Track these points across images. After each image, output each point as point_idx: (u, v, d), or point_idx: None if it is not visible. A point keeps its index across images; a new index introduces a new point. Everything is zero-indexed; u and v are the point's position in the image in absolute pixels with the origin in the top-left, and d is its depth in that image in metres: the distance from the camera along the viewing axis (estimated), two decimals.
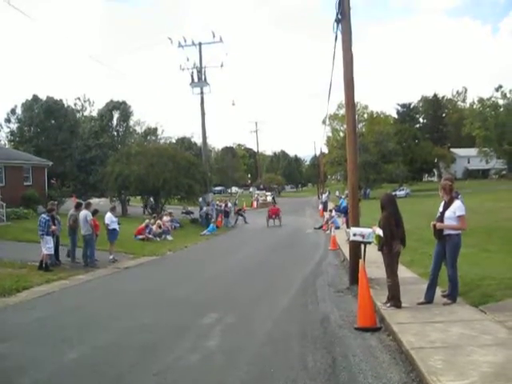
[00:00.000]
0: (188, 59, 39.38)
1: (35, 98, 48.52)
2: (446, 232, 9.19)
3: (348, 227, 15.08)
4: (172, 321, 9.73)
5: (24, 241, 22.04)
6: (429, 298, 9.41)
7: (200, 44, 39.23)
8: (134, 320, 9.84)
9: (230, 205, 41.37)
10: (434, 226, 9.35)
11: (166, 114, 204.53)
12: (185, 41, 38.57)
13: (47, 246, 16.08)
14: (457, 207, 9.11)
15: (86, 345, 8.11)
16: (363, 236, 10.00)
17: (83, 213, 18.08)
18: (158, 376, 6.54)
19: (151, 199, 42.32)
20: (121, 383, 6.42)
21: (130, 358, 7.37)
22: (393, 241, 9.13)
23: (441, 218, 9.29)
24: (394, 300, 9.23)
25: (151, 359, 7.24)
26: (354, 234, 10.31)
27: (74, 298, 12.73)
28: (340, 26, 12.45)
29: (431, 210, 10.44)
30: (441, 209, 9.40)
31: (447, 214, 9.17)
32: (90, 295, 13.05)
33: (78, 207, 18.90)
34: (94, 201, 38.00)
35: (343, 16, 12.31)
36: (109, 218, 19.47)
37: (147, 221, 28.36)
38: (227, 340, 8.22)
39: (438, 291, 9.66)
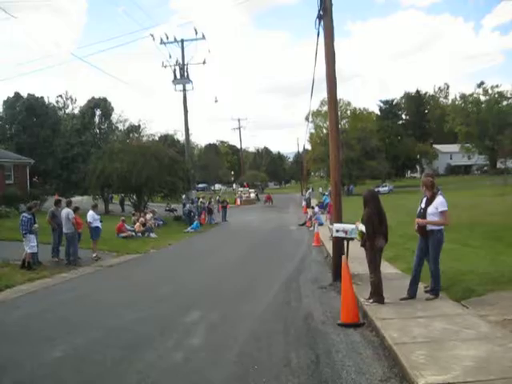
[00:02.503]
0: (170, 56, 39.35)
1: (17, 96, 48.08)
2: (429, 228, 9.23)
3: (331, 224, 15.12)
4: (155, 319, 9.69)
5: (6, 240, 21.82)
6: (412, 294, 9.46)
7: (182, 41, 39.09)
8: (118, 318, 9.79)
9: (212, 202, 41.31)
10: (418, 221, 9.41)
11: (149, 111, 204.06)
12: (167, 38, 38.43)
13: (30, 245, 15.93)
14: (439, 203, 9.15)
15: (68, 343, 8.05)
16: (346, 232, 10.02)
17: (65, 211, 17.93)
18: (141, 374, 6.52)
19: (122, 195, 42.32)
20: (103, 382, 6.37)
21: (113, 357, 7.33)
22: (375, 237, 9.16)
23: (423, 214, 9.33)
24: (377, 296, 9.27)
25: (134, 357, 7.21)
26: (337, 231, 10.33)
27: (56, 295, 12.61)
28: (322, 22, 12.48)
29: (414, 205, 10.49)
30: (422, 205, 9.45)
31: (430, 209, 9.21)
32: (72, 293, 12.93)
33: (57, 204, 18.80)
34: (77, 199, 37.85)
35: (325, 12, 12.33)
36: (91, 215, 19.35)
37: (122, 218, 28.19)
38: (210, 337, 8.21)
39: (421, 286, 9.72)
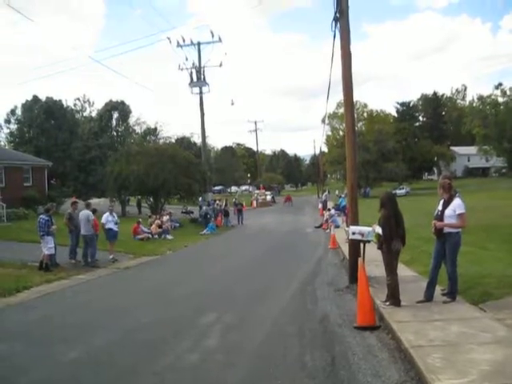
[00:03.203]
0: (187, 59, 39.48)
1: (35, 99, 48.61)
2: (446, 230, 9.18)
3: (347, 226, 15.09)
4: (172, 320, 9.73)
5: (24, 241, 22.03)
6: (428, 297, 9.40)
7: (199, 44, 39.29)
8: (135, 319, 9.84)
9: (228, 205, 41.31)
10: (435, 224, 9.36)
11: (166, 114, 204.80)
12: (183, 40, 38.64)
13: (48, 246, 16.09)
14: (457, 205, 9.10)
15: (86, 344, 8.11)
16: (362, 235, 9.99)
17: (85, 213, 18.08)
18: (158, 375, 6.55)
19: (138, 197, 42.50)
20: (120, 383, 6.41)
21: (130, 358, 7.38)
22: (392, 239, 9.12)
23: (440, 217, 9.29)
24: (394, 298, 9.23)
25: (151, 358, 7.24)
26: (353, 233, 10.30)
27: (74, 297, 12.72)
28: (338, 24, 12.46)
29: (431, 208, 10.42)
30: (440, 207, 9.40)
31: (447, 212, 9.16)
32: (89, 295, 13.04)
33: (73, 205, 18.96)
34: (94, 201, 38.01)
35: (341, 14, 12.30)
36: (105, 217, 19.41)
37: (139, 220, 28.44)
38: (226, 339, 8.22)
39: (438, 289, 9.66)
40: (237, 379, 6.34)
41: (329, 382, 6.08)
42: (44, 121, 46.94)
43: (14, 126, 51.21)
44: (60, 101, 50.12)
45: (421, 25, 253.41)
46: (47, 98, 48.74)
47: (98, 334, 8.79)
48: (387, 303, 9.29)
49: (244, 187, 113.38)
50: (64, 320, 10.12)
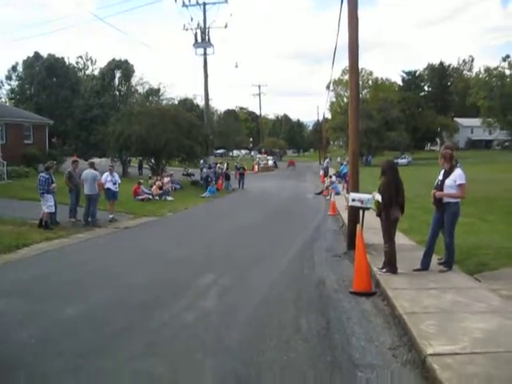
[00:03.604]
0: (192, 19, 39.21)
1: (36, 56, 48.08)
2: (446, 200, 9.20)
3: (348, 193, 15.12)
4: (170, 280, 9.82)
5: (25, 199, 22.10)
6: (425, 265, 9.47)
7: (204, 4, 38.96)
8: (133, 279, 9.94)
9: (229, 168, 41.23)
10: (434, 194, 9.37)
11: (169, 75, 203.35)
12: (189, 0, 38.13)
13: (48, 204, 16.11)
14: (457, 175, 9.10)
15: (84, 302, 8.19)
16: (362, 202, 10.04)
17: (91, 172, 18.09)
18: (155, 333, 6.64)
19: (140, 158, 42.49)
20: (117, 339, 6.48)
21: (128, 315, 7.46)
22: (391, 207, 9.15)
23: (440, 187, 9.29)
24: (390, 266, 9.29)
25: (148, 317, 7.33)
26: (353, 200, 10.34)
27: (73, 255, 12.80)
28: None
29: (432, 178, 10.42)
30: (440, 177, 9.40)
31: (447, 182, 9.16)
32: (89, 254, 13.12)
33: (73, 163, 18.98)
34: (95, 160, 37.92)
35: None
36: (104, 177, 19.36)
37: (141, 180, 28.59)
38: (223, 301, 8.30)
39: (435, 258, 9.72)
40: (232, 339, 6.41)
41: (323, 345, 6.16)
42: (45, 78, 46.49)
43: (14, 83, 50.79)
44: (62, 58, 49.55)
45: None
46: (49, 54, 48.17)
47: (95, 292, 8.87)
48: (384, 270, 9.36)
49: (243, 151, 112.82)
50: (62, 278, 10.20)
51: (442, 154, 9.57)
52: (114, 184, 19.64)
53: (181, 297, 8.50)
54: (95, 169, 18.81)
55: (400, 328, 6.64)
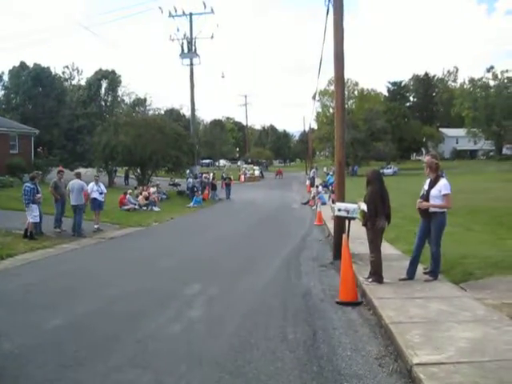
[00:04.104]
0: (178, 30, 39.31)
1: (22, 65, 47.88)
2: (432, 210, 9.23)
3: (333, 203, 15.14)
4: (155, 290, 9.75)
5: (9, 209, 21.91)
6: (410, 275, 9.49)
7: (191, 14, 38.97)
8: (118, 288, 9.87)
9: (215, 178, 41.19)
10: (420, 204, 9.41)
11: (156, 85, 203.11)
12: (175, 11, 38.38)
13: (33, 215, 16.02)
14: (442, 185, 9.14)
15: (68, 312, 8.13)
16: (348, 211, 10.04)
17: (77, 182, 18.08)
18: (140, 343, 6.59)
19: (126, 169, 42.29)
20: (101, 350, 6.42)
21: (113, 326, 7.41)
22: (376, 217, 9.17)
23: (426, 196, 9.32)
24: (376, 275, 9.31)
25: (134, 327, 7.28)
26: (339, 210, 10.34)
27: (58, 266, 12.70)
28: None
29: (418, 188, 10.45)
30: (426, 186, 9.43)
31: (433, 192, 9.20)
32: (74, 264, 13.04)
33: (59, 173, 18.91)
34: (81, 171, 37.77)
35: None
36: (90, 187, 19.32)
37: (130, 191, 28.52)
38: (209, 311, 8.27)
39: (421, 268, 9.75)
40: (218, 349, 6.38)
41: (309, 355, 6.14)
42: (31, 87, 46.29)
43: (0, 93, 50.58)
44: (48, 68, 49.35)
45: (415, 3, 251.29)
46: (35, 64, 47.99)
47: (81, 302, 8.81)
48: (370, 280, 9.38)
49: (227, 163, 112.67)
50: (47, 288, 10.13)
51: (428, 162, 9.60)
52: (101, 194, 19.57)
53: (167, 307, 8.45)
54: (82, 179, 18.76)
55: (386, 338, 6.65)
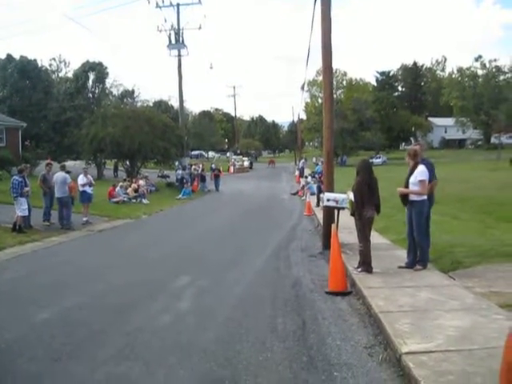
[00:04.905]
0: (166, 20, 38.82)
1: (9, 58, 47.42)
2: (411, 198, 9.28)
3: (321, 192, 15.16)
4: (144, 283, 9.73)
5: None
6: (408, 263, 9.51)
7: (178, 5, 38.67)
8: (107, 281, 9.85)
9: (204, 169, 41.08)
10: (398, 190, 9.47)
11: (143, 77, 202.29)
12: (162, 1, 37.93)
13: (21, 208, 15.93)
14: (419, 172, 9.17)
15: (58, 306, 8.10)
16: (337, 201, 10.07)
17: (61, 175, 17.90)
18: (130, 336, 6.58)
19: (115, 161, 42.11)
20: (91, 342, 6.40)
21: (102, 319, 7.38)
22: (363, 206, 9.18)
23: (405, 184, 9.37)
24: (365, 265, 9.34)
25: (123, 320, 7.27)
26: (328, 200, 10.37)
27: (46, 259, 12.65)
28: None
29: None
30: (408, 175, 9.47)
31: (411, 179, 9.27)
32: (63, 257, 12.98)
33: (47, 166, 18.78)
34: (69, 163, 37.60)
35: None
36: (80, 179, 19.25)
37: (120, 183, 28.41)
38: (199, 302, 8.27)
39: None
40: (208, 340, 6.38)
41: (298, 345, 6.16)
42: (18, 80, 45.86)
43: None
44: (35, 60, 48.89)
45: None
46: (21, 56, 47.54)
47: (69, 296, 8.77)
48: (359, 269, 9.41)
49: (216, 155, 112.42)
50: (36, 281, 10.09)
51: (407, 151, 9.70)
52: (90, 186, 19.48)
53: (156, 298, 8.44)
54: (68, 172, 18.65)
55: (375, 327, 6.67)
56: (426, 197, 9.26)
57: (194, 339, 6.43)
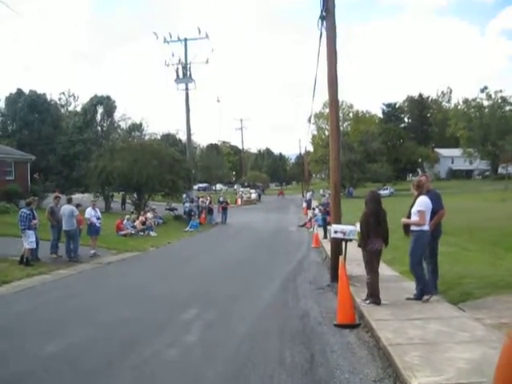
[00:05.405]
0: (173, 55, 39.30)
1: (19, 92, 48.01)
2: (411, 228, 9.28)
3: (329, 224, 15.13)
4: (152, 316, 9.69)
5: (5, 235, 21.80)
6: (417, 295, 9.44)
7: (185, 40, 39.16)
8: (114, 314, 9.80)
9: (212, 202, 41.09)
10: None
11: (151, 110, 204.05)
12: (170, 36, 38.51)
13: (29, 241, 15.96)
14: (418, 202, 9.18)
15: (64, 339, 8.06)
16: (344, 233, 10.05)
17: (69, 207, 17.97)
18: (136, 370, 6.53)
19: (123, 193, 42.22)
20: (98, 377, 6.37)
21: (109, 352, 7.34)
22: (368, 238, 9.15)
23: (408, 214, 9.38)
24: (373, 297, 9.27)
25: (129, 353, 7.22)
26: (335, 231, 10.36)
27: (53, 292, 12.63)
28: (324, 23, 12.47)
29: None
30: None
31: (413, 209, 9.28)
32: (70, 290, 12.95)
33: (55, 199, 18.89)
34: (77, 196, 37.77)
35: (328, 13, 12.32)
36: (88, 212, 19.33)
37: (128, 216, 28.46)
38: (206, 335, 8.21)
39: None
40: (216, 374, 6.33)
41: (307, 379, 6.10)
42: (27, 114, 46.34)
43: None
44: (44, 94, 49.50)
45: (408, 25, 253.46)
46: (30, 91, 48.15)
47: (77, 329, 8.73)
48: (367, 301, 9.34)
49: (224, 187, 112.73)
50: (43, 314, 10.06)
51: (412, 182, 9.72)
52: (98, 219, 19.54)
53: (163, 332, 8.39)
54: (78, 205, 18.76)
55: (385, 360, 6.60)
56: (426, 227, 9.22)
57: (202, 372, 6.38)
